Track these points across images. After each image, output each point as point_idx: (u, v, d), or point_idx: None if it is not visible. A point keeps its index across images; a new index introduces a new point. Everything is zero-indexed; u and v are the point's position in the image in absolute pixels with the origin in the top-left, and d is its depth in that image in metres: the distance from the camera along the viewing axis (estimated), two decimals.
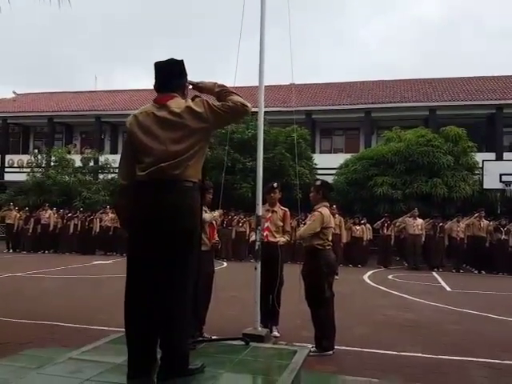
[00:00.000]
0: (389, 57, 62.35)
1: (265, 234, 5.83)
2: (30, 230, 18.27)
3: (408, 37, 64.55)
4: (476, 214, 14.92)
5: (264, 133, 18.35)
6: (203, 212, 5.44)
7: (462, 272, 14.67)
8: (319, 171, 21.70)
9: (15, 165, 28.17)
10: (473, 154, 19.23)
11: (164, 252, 2.51)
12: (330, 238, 5.30)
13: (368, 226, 15.98)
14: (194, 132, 2.58)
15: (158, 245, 2.51)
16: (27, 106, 30.55)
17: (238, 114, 2.71)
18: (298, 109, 24.30)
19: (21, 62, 63.18)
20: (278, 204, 6.18)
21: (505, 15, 62.38)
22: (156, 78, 2.74)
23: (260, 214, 5.33)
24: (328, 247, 5.21)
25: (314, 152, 23.99)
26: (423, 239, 15.08)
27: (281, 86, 27.29)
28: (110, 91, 32.40)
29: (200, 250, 5.65)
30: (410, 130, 19.65)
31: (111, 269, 12.71)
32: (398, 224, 15.66)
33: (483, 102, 23.73)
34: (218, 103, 2.67)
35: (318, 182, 5.63)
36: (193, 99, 2.69)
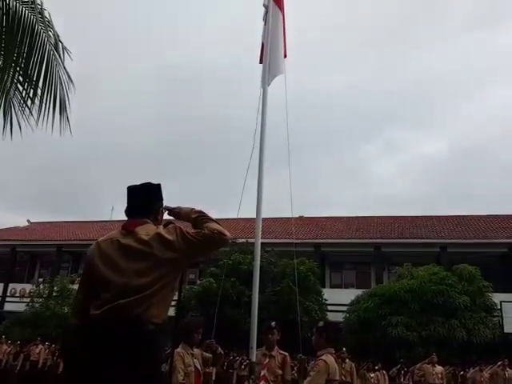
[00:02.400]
0: (398, 193, 63.99)
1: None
2: (18, 367, 17.07)
3: (417, 174, 66.85)
4: (499, 363, 13.72)
5: (272, 264, 18.01)
6: (182, 358, 4.89)
7: None
8: (329, 307, 20.78)
9: (17, 294, 27.58)
10: (489, 294, 18.44)
11: None
12: None
13: (383, 372, 14.65)
14: (163, 263, 2.24)
15: None
16: (38, 234, 31.00)
17: (214, 244, 2.39)
18: (302, 241, 24.22)
19: (41, 190, 65.83)
20: (276, 347, 5.53)
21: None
22: (128, 202, 2.51)
23: (254, 359, 4.74)
24: None
25: (323, 286, 23.25)
26: None
27: (289, 218, 27.49)
28: (123, 221, 32.95)
29: None
30: (421, 267, 19.18)
31: None
32: (416, 371, 14.35)
33: (495, 241, 23.41)
34: (192, 231, 2.37)
35: (321, 324, 5.07)
36: (165, 225, 2.41)
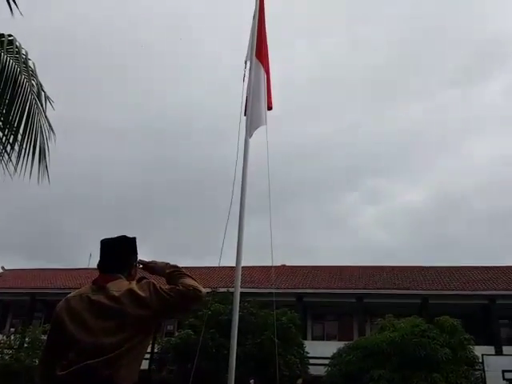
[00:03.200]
0: (380, 243, 64.28)
1: None
2: None
3: (398, 223, 67.59)
4: None
5: (253, 315, 17.60)
6: None
7: None
8: (311, 360, 20.31)
9: None
10: (471, 346, 18.27)
11: None
12: None
13: None
14: (134, 321, 2.16)
15: None
16: (11, 282, 30.06)
17: (189, 300, 2.33)
18: (284, 291, 23.97)
19: (17, 237, 64.45)
20: None
21: (492, 200, 66.41)
22: (101, 255, 2.44)
23: None
24: None
25: (305, 338, 22.80)
26: None
27: (270, 267, 27.31)
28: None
29: None
30: (403, 319, 19.01)
31: None
32: None
33: (475, 293, 23.49)
34: (167, 287, 2.30)
35: (300, 381, 4.96)
36: (139, 281, 2.34)
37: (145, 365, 18.22)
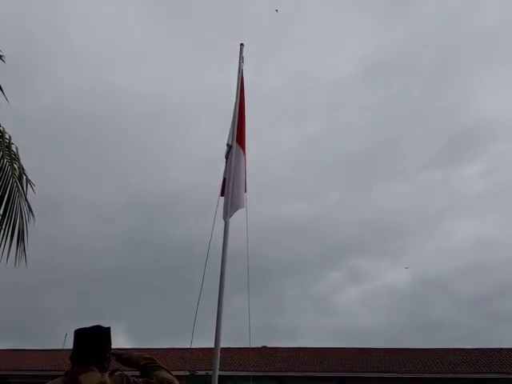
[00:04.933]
0: (364, 323, 63.07)
1: None
2: None
3: (382, 303, 66.67)
4: None
5: None
6: None
7: None
8: None
9: None
10: None
11: None
12: None
13: None
14: None
15: None
16: None
17: None
18: (264, 374, 23.15)
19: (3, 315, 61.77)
20: None
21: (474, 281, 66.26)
22: (74, 346, 2.43)
23: None
24: None
25: None
26: None
27: (252, 348, 26.46)
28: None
29: None
30: None
31: None
32: None
33: (461, 376, 22.87)
34: (140, 380, 2.30)
35: None
36: (112, 373, 2.31)
37: None
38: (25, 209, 4.07)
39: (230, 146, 6.69)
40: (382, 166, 68.68)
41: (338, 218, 67.28)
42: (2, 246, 3.89)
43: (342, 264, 69.10)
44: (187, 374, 19.07)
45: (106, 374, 2.30)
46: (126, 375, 2.28)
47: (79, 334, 2.44)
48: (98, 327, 2.47)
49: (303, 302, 65.05)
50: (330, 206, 66.91)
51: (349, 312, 63.97)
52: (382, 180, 70.19)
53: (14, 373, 26.76)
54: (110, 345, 2.50)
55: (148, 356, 2.49)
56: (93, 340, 2.41)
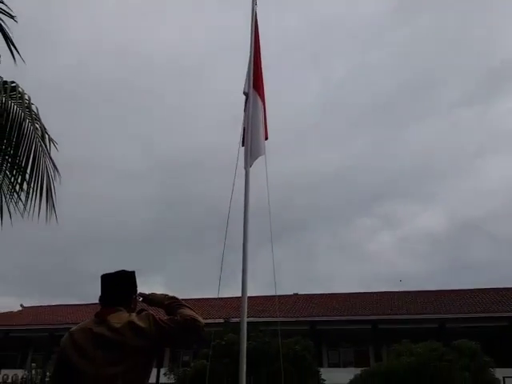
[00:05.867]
0: (395, 268, 63.35)
1: None
2: None
3: (414, 248, 66.36)
4: None
5: (265, 344, 17.40)
6: None
7: None
8: None
9: (9, 380, 26.65)
10: (491, 369, 17.86)
11: None
12: None
13: None
14: (135, 351, 2.28)
15: None
16: (31, 318, 30.52)
17: (188, 330, 2.40)
18: (297, 319, 23.81)
19: (35, 273, 64.93)
20: None
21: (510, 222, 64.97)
22: (102, 290, 2.59)
23: None
24: None
25: (320, 365, 22.51)
26: None
27: (282, 296, 27.26)
28: None
29: None
30: (420, 344, 18.68)
31: None
32: None
33: (495, 315, 23.03)
34: (165, 317, 2.42)
35: None
36: (139, 312, 2.47)
37: None
38: (50, 167, 4.24)
39: (246, 94, 6.62)
40: (413, 106, 66.46)
41: (368, 164, 66.26)
42: (33, 202, 4.10)
43: (373, 210, 68.67)
44: (222, 321, 19.78)
45: (134, 314, 2.46)
46: (152, 314, 2.43)
47: (105, 278, 2.60)
48: (123, 271, 2.62)
49: (335, 250, 65.67)
50: (360, 151, 65.76)
51: (381, 258, 64.20)
52: (413, 121, 68.15)
53: (60, 326, 28.40)
54: (136, 287, 2.65)
55: (172, 296, 2.63)
56: (118, 283, 2.58)
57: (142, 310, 2.50)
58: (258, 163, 6.38)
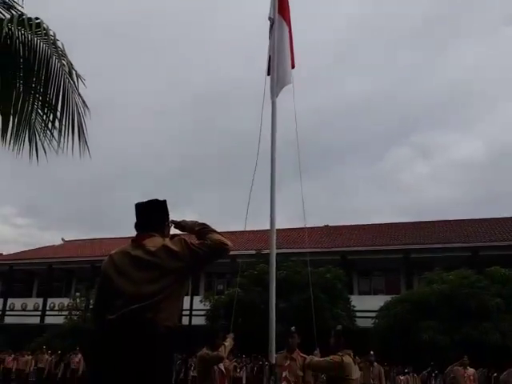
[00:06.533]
0: (430, 199, 62.72)
1: None
2: (59, 375, 17.89)
3: (450, 178, 65.14)
4: None
5: (297, 273, 18.06)
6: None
7: None
8: (358, 314, 20.74)
9: (56, 308, 28.78)
10: None
11: None
12: None
13: (414, 375, 14.57)
14: (170, 272, 2.46)
15: None
16: (73, 251, 32.13)
17: (217, 253, 2.58)
18: (328, 250, 24.30)
19: (74, 209, 67.60)
20: (297, 350, 5.69)
21: None
22: (136, 217, 2.74)
23: (274, 361, 4.90)
24: None
25: (351, 293, 23.21)
26: None
27: (313, 228, 27.70)
28: None
29: None
30: (452, 272, 18.89)
31: None
32: (447, 374, 14.16)
33: None
34: (196, 242, 2.57)
35: (339, 327, 5.23)
36: (171, 238, 2.64)
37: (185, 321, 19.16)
38: (80, 104, 4.29)
39: (272, 20, 6.35)
40: (455, 26, 62.77)
41: (403, 91, 64.09)
42: (66, 139, 4.20)
43: (408, 140, 67.12)
44: (254, 252, 20.39)
45: (167, 239, 2.64)
46: (184, 238, 2.60)
47: (139, 206, 2.77)
48: (155, 200, 2.78)
49: (368, 182, 65.25)
50: (398, 79, 63.39)
51: (416, 188, 63.56)
52: (453, 43, 64.62)
53: (100, 258, 29.72)
54: (168, 215, 2.80)
55: (202, 222, 2.76)
56: (151, 211, 2.73)
57: (175, 236, 2.65)
58: (288, 93, 6.24)
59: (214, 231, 2.63)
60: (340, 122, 66.41)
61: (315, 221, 30.49)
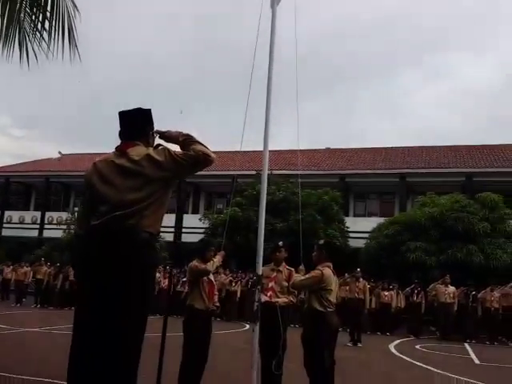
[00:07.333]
0: (433, 124, 61.97)
1: (268, 294, 5.62)
2: (58, 286, 18.47)
3: (457, 103, 63.86)
4: (510, 284, 14.14)
5: (294, 194, 18.39)
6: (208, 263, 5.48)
7: (497, 344, 13.60)
8: (352, 234, 21.37)
9: (54, 221, 28.97)
10: (511, 220, 18.46)
11: (104, 309, 2.38)
12: (334, 301, 5.06)
13: (398, 291, 15.34)
14: (153, 181, 2.51)
15: (101, 299, 2.39)
16: (70, 165, 31.53)
17: (200, 164, 2.60)
18: (324, 172, 24.47)
19: (76, 121, 66.96)
20: (283, 263, 5.99)
21: None
22: (120, 126, 2.74)
23: (260, 273, 5.17)
24: (330, 310, 4.94)
25: (347, 215, 23.75)
26: (455, 308, 14.26)
27: (315, 150, 27.71)
28: None
29: (192, 309, 5.51)
30: (444, 196, 19.21)
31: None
32: (429, 291, 14.94)
33: None
34: (180, 152, 2.60)
35: (322, 242, 5.48)
36: (155, 147, 2.66)
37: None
38: (70, 5, 4.12)
39: None
40: None
41: (412, 12, 61.20)
42: (56, 44, 4.07)
43: (421, 62, 64.98)
44: (253, 173, 20.58)
45: (151, 148, 2.65)
46: (168, 148, 2.61)
47: (123, 114, 2.75)
48: (139, 108, 2.76)
49: (374, 104, 64.16)
50: None
51: (422, 113, 62.50)
52: None
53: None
54: (152, 124, 2.79)
55: (186, 133, 2.73)
56: (135, 119, 2.72)
57: (159, 145, 2.68)
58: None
59: (198, 142, 2.63)
60: (352, 44, 64.01)
61: (318, 143, 30.40)
